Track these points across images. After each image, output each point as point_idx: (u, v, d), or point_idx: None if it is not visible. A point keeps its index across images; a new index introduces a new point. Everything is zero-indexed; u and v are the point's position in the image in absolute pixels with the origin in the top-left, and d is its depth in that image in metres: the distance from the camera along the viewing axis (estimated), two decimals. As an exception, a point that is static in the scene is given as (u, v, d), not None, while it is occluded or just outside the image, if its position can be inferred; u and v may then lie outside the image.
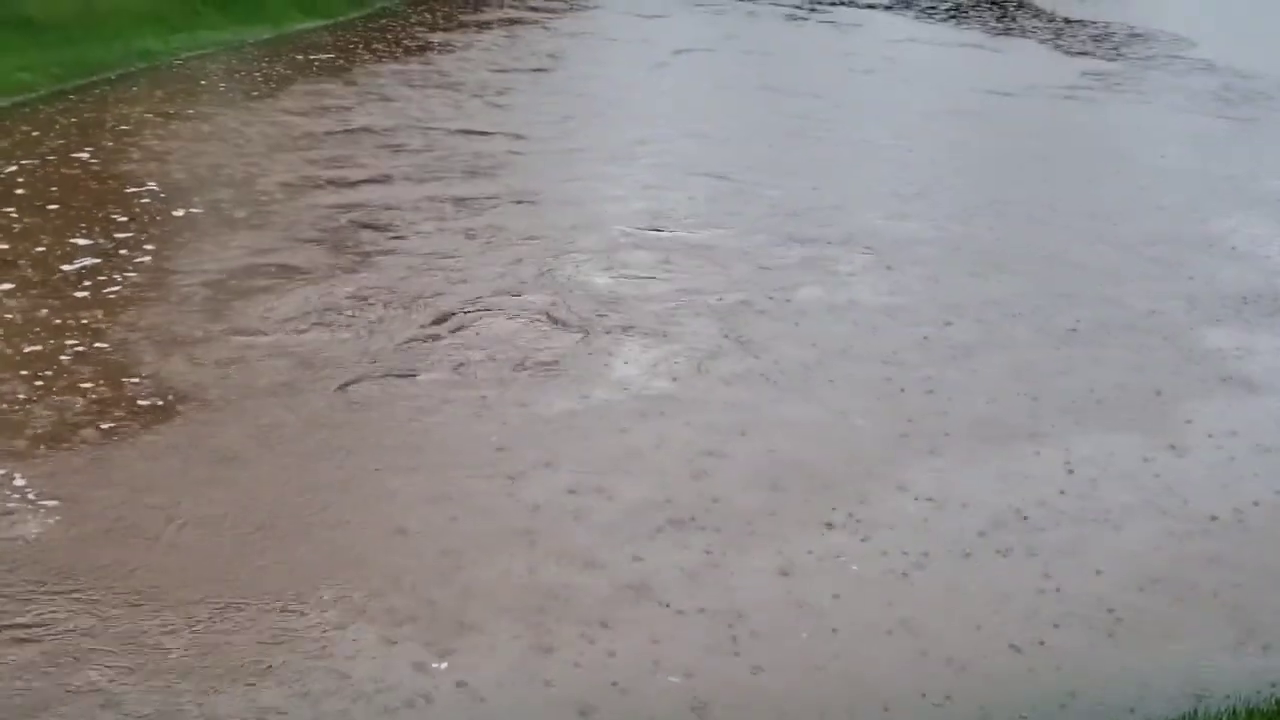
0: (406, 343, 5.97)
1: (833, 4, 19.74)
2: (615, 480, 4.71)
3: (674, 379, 5.64)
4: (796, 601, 4.00)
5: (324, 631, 3.77)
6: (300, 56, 13.98)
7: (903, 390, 5.59)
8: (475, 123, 11.00)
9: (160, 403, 5.26)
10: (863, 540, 4.37)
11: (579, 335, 6.02)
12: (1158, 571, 4.25)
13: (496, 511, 4.50)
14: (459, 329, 6.16)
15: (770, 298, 6.68)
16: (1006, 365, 5.96)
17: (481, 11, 18.13)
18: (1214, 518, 4.61)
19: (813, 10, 19.02)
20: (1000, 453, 5.02)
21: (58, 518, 4.38)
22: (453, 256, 7.23)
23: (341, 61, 13.84)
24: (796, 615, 3.93)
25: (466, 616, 3.86)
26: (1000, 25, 17.79)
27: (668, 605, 3.94)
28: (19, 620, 3.77)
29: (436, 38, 15.75)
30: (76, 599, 3.88)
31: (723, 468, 4.82)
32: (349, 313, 6.32)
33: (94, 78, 12.14)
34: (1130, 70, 14.35)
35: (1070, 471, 4.88)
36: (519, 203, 8.36)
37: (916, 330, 6.31)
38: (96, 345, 5.83)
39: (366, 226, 7.75)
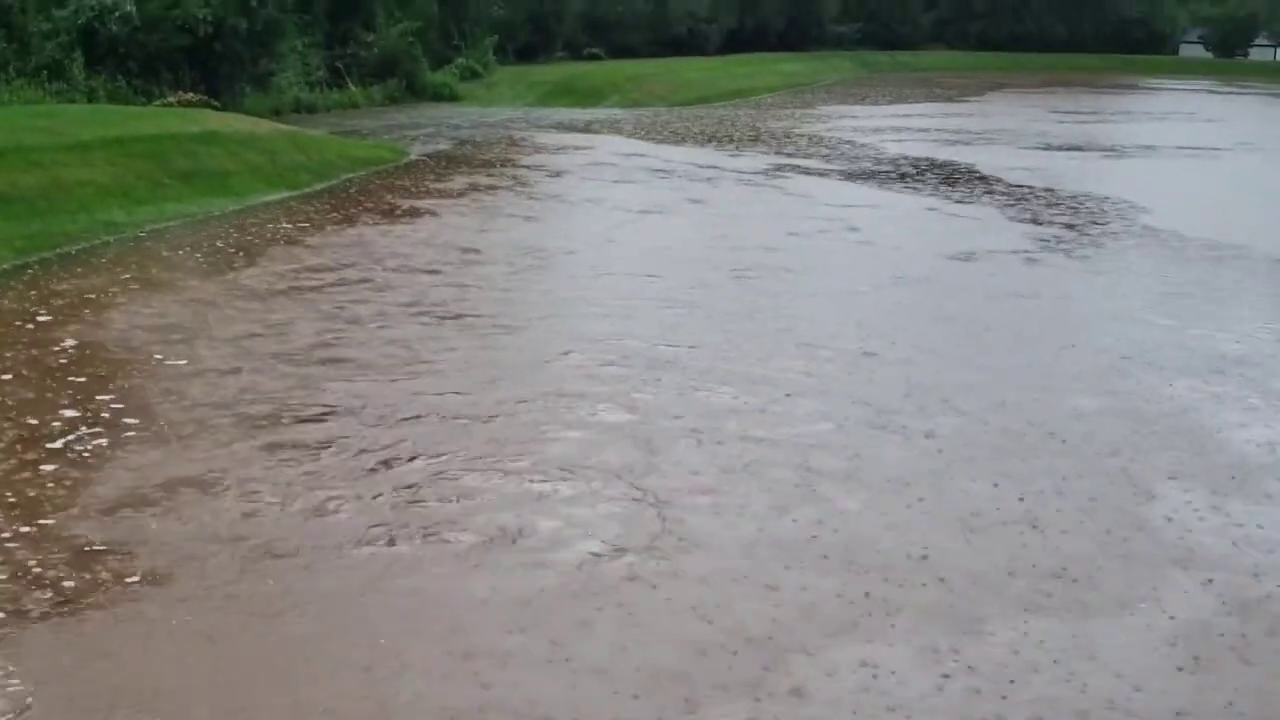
0: (393, 504, 5.97)
1: (782, 171, 20.27)
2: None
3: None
4: None
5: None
6: (267, 226, 14.26)
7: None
8: (448, 278, 11.37)
9: (136, 579, 5.19)
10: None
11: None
12: None
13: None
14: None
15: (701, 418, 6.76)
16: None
17: (450, 179, 18.47)
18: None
19: (769, 177, 19.53)
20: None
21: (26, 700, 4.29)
22: (431, 396, 7.28)
23: (306, 228, 14.09)
24: None
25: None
26: (952, 192, 18.34)
27: None
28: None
29: (405, 204, 16.13)
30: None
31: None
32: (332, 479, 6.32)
33: (58, 250, 12.33)
34: (1082, 235, 14.82)
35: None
36: (499, 328, 8.46)
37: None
38: (58, 519, 5.73)
39: (333, 379, 7.79)
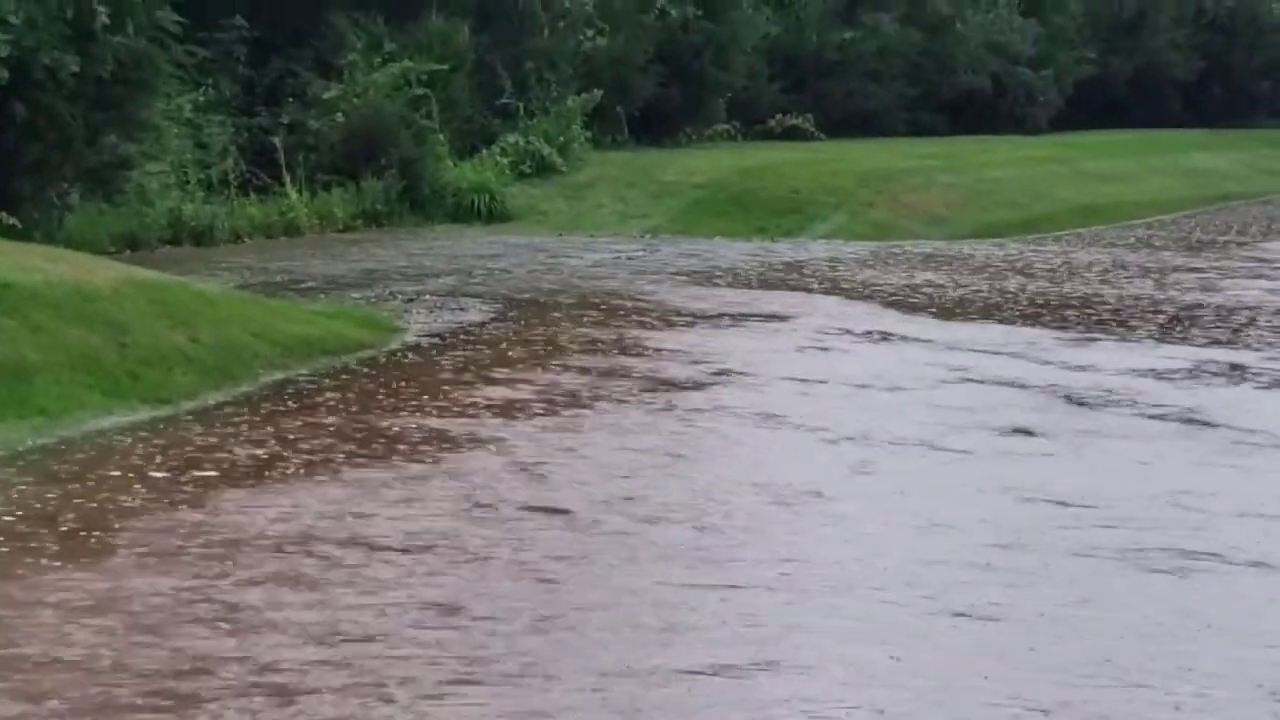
0: None
1: (1203, 378, 18.66)
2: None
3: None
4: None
5: None
6: (97, 496, 12.20)
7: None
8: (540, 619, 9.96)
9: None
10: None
11: None
12: None
13: None
14: None
15: None
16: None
17: (492, 383, 17.24)
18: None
19: (1176, 388, 17.88)
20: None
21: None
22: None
23: (187, 497, 12.40)
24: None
25: None
26: None
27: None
28: None
29: (395, 433, 14.63)
30: None
31: None
32: None
33: None
34: None
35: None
36: None
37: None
38: None
39: None
